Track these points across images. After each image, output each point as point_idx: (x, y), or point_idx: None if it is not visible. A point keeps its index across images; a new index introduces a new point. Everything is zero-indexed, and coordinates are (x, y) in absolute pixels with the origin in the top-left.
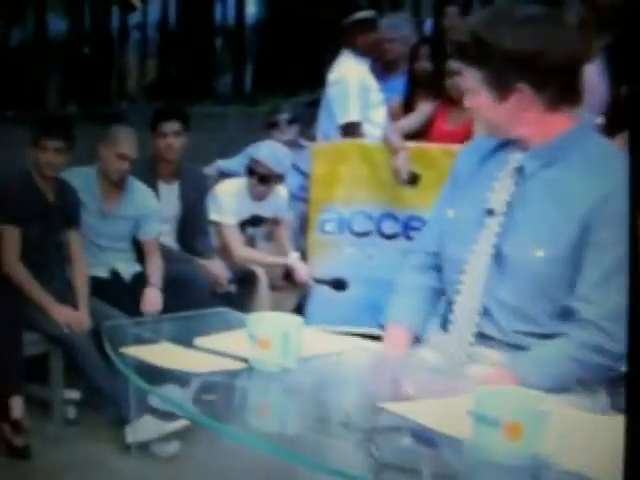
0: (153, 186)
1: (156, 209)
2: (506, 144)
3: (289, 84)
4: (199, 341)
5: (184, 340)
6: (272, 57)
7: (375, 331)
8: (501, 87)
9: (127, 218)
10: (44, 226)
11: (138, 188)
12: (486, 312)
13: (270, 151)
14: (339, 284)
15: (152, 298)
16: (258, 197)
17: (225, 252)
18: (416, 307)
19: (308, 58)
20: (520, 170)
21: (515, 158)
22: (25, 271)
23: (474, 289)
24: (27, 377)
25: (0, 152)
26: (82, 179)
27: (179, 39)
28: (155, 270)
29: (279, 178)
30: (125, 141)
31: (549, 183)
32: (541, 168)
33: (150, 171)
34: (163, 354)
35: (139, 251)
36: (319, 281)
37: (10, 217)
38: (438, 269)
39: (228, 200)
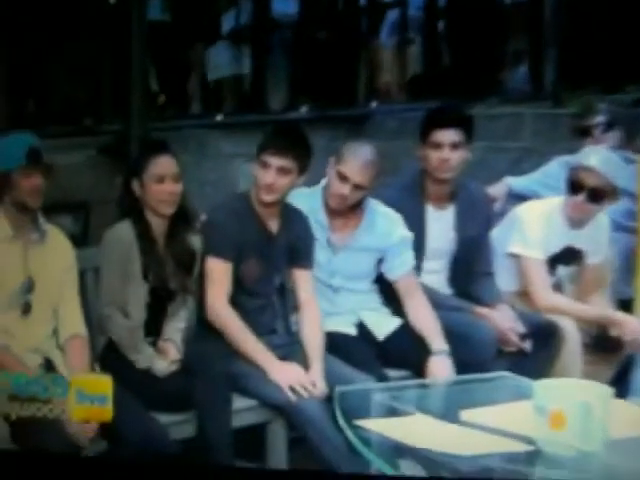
0: (419, 211)
1: (405, 237)
2: None
3: (606, 76)
4: (468, 414)
5: (448, 412)
6: (582, 40)
7: None
8: None
9: (367, 250)
10: (263, 264)
11: (379, 212)
12: None
13: (605, 158)
14: None
15: (442, 371)
16: (577, 223)
17: (524, 298)
18: None
19: (633, 40)
20: None
21: None
22: (237, 319)
23: None
24: (238, 453)
25: (207, 167)
26: (305, 203)
27: (452, 18)
28: (432, 324)
29: (614, 195)
30: (352, 159)
31: None
32: None
33: (415, 192)
34: (416, 430)
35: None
36: None
37: (219, 249)
38: None
39: (536, 227)
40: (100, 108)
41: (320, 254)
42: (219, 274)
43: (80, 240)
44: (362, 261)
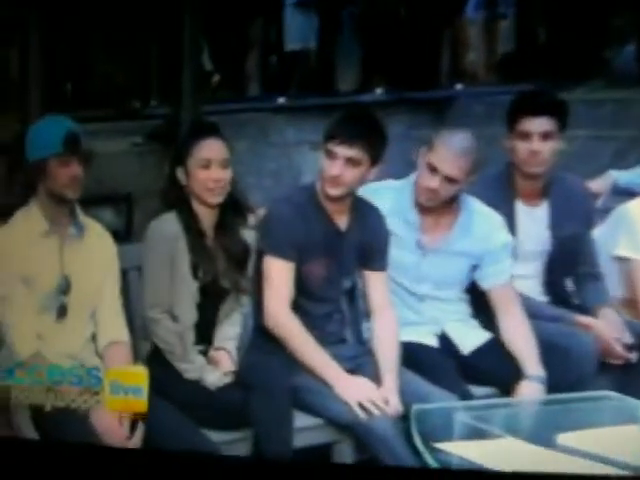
0: (508, 209)
1: (505, 243)
2: None
3: None
4: (565, 438)
5: (542, 435)
6: None
7: None
8: None
9: (461, 255)
10: (330, 265)
11: (477, 211)
12: None
13: None
14: None
15: (529, 395)
16: None
17: (630, 306)
18: None
19: None
20: None
21: None
22: (300, 326)
23: None
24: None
25: (267, 156)
26: (390, 198)
27: None
28: (528, 345)
29: None
30: (442, 148)
31: None
32: None
33: (503, 187)
34: (505, 454)
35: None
36: None
37: (280, 247)
38: None
39: None
40: (147, 89)
41: (407, 257)
42: (279, 275)
43: (122, 236)
44: (454, 267)
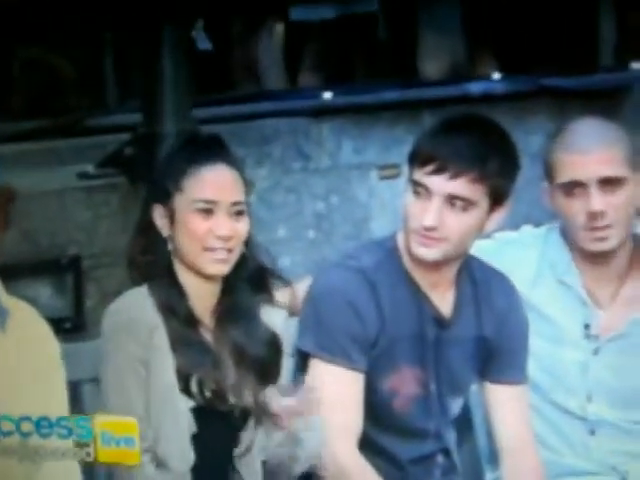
0: None
1: None
2: None
3: None
4: None
5: None
6: None
7: None
8: None
9: None
10: (426, 376)
11: None
12: None
13: None
14: None
15: None
16: None
17: None
18: None
19: None
20: None
21: None
22: (375, 476)
23: None
24: None
25: (307, 190)
26: (531, 257)
27: None
28: None
29: None
30: (564, 137)
31: None
32: None
33: None
34: None
35: None
36: None
37: (339, 347)
38: None
39: None
40: (99, 85)
41: (566, 355)
42: (340, 394)
43: (70, 326)
44: None
